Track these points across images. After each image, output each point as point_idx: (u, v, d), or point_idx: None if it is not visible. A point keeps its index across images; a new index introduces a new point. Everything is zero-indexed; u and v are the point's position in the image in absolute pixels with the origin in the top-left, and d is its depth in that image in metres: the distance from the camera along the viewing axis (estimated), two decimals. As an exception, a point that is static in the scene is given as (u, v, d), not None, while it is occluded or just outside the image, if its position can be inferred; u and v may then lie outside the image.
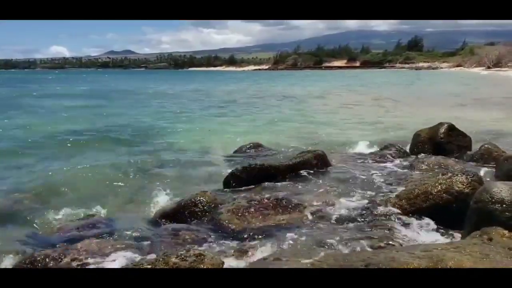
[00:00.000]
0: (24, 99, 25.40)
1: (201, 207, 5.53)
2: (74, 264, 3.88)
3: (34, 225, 5.20)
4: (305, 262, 3.08)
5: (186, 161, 8.46)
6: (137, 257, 4.02)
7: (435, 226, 4.46)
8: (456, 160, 7.39)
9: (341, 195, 5.96)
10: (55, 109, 19.66)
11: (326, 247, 4.23)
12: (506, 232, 3.54)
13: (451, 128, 8.16)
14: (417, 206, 4.59)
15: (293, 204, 5.19)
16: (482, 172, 6.51)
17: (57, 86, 43.48)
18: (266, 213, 5.01)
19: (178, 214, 5.39)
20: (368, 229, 4.40)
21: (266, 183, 6.45)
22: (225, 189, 6.45)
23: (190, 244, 4.37)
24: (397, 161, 7.93)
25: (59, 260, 3.90)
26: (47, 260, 3.89)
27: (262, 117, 16.34)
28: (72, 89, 37.16)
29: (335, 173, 7.21)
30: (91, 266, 3.83)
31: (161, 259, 3.54)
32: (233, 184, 6.52)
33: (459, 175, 4.64)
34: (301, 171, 6.90)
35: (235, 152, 9.36)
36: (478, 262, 2.96)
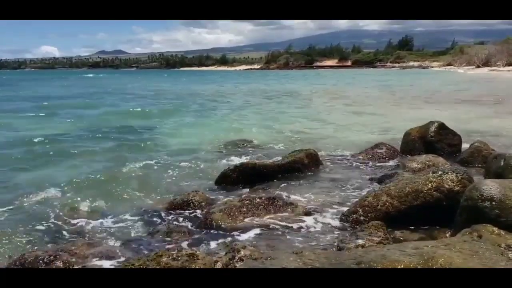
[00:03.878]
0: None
1: (193, 206, 5.53)
2: (64, 265, 3.85)
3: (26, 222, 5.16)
4: (298, 261, 3.08)
5: (180, 160, 8.44)
6: (129, 257, 4.00)
7: (425, 224, 4.50)
8: (446, 158, 7.45)
9: (332, 194, 5.98)
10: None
11: (318, 246, 4.25)
12: (495, 229, 3.58)
13: (441, 126, 8.23)
14: (408, 204, 4.62)
15: (285, 204, 5.20)
16: (472, 170, 6.58)
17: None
18: (258, 212, 5.01)
19: (170, 213, 5.40)
20: (360, 227, 4.42)
21: (258, 182, 6.47)
22: (217, 188, 6.45)
23: (182, 244, 4.36)
24: (388, 159, 7.98)
25: (49, 261, 3.86)
26: (37, 260, 3.85)
27: (259, 115, 16.37)
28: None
29: (327, 172, 7.24)
30: (82, 266, 3.80)
31: (152, 259, 3.53)
32: (225, 183, 6.53)
33: (449, 173, 4.68)
34: (293, 170, 6.93)
35: (228, 150, 9.37)
36: (468, 259, 2.98)
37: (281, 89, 33.54)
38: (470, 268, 2.77)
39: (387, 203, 4.70)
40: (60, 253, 3.99)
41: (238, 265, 3.45)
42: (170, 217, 5.28)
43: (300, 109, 19.03)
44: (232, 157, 8.49)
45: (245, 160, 7.50)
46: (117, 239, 4.63)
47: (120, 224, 5.10)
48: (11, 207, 5.79)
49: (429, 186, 4.62)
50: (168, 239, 4.51)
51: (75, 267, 3.80)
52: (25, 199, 6.07)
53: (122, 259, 3.98)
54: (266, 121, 14.90)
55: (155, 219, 5.27)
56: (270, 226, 4.75)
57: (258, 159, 7.96)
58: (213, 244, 4.38)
